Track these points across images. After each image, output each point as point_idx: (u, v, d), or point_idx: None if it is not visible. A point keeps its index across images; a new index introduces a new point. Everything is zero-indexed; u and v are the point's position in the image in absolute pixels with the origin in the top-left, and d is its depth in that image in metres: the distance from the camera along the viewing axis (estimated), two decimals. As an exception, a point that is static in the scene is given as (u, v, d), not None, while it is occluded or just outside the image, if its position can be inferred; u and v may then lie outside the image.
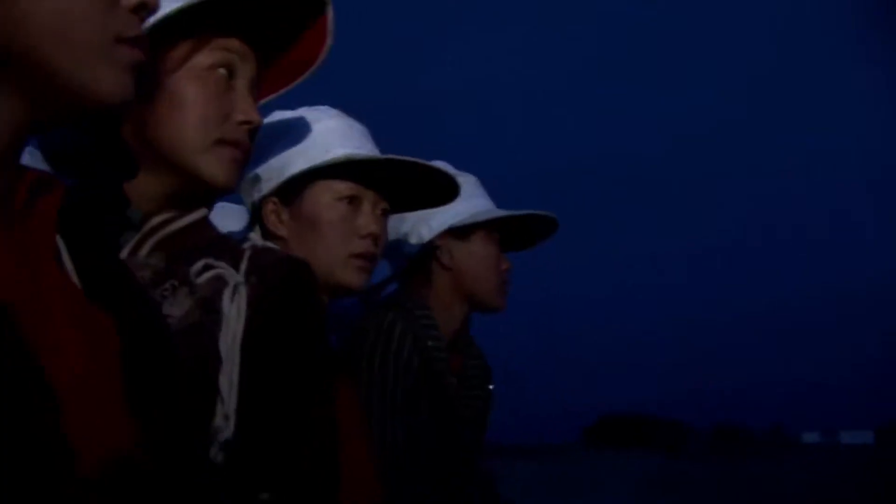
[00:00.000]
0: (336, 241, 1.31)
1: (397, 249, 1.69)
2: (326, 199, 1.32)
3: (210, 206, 1.03)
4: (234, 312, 0.90)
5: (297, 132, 1.33)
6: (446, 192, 1.44)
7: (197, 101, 0.96)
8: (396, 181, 1.37)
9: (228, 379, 0.87)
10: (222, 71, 0.98)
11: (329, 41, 1.07)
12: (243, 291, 0.91)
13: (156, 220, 0.97)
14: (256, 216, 1.34)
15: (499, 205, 1.78)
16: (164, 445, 0.65)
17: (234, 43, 0.99)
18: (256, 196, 1.34)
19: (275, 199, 1.33)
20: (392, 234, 1.60)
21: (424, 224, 1.67)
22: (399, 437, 1.48)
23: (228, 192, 1.01)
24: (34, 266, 0.60)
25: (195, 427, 0.82)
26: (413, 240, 1.68)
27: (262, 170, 1.32)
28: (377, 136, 1.43)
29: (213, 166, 0.97)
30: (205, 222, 1.02)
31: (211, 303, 0.91)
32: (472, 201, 1.69)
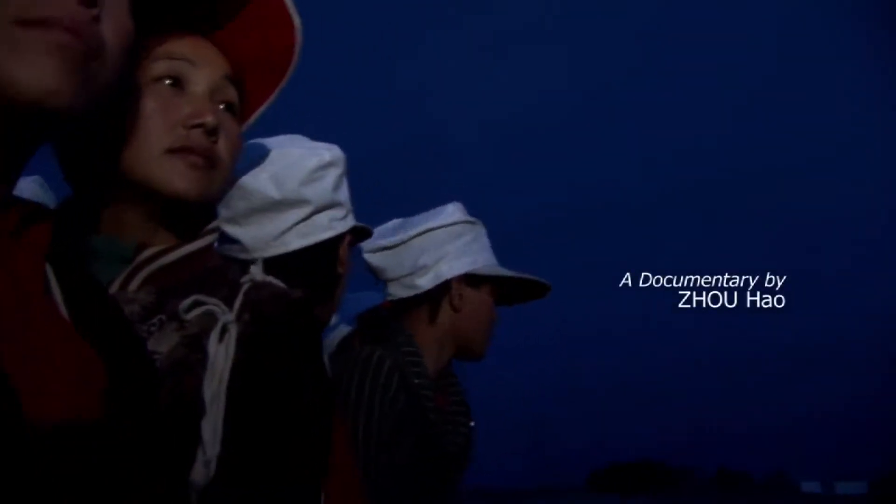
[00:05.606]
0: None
1: (409, 279, 1.74)
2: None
3: (211, 236, 0.98)
4: (221, 354, 0.84)
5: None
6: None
7: (140, 115, 0.90)
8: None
9: (212, 425, 0.81)
10: (167, 81, 0.93)
11: (297, 33, 1.00)
12: (233, 331, 0.86)
13: (147, 252, 0.92)
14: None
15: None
16: (142, 486, 0.63)
17: (180, 48, 0.94)
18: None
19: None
20: (407, 264, 1.72)
21: (445, 263, 1.75)
22: (381, 471, 1.48)
23: (195, 200, 0.93)
24: (23, 297, 0.59)
25: (174, 471, 0.78)
26: (430, 274, 1.74)
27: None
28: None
29: (165, 175, 0.90)
30: (205, 252, 0.97)
31: (198, 341, 0.86)
32: (484, 254, 1.81)
